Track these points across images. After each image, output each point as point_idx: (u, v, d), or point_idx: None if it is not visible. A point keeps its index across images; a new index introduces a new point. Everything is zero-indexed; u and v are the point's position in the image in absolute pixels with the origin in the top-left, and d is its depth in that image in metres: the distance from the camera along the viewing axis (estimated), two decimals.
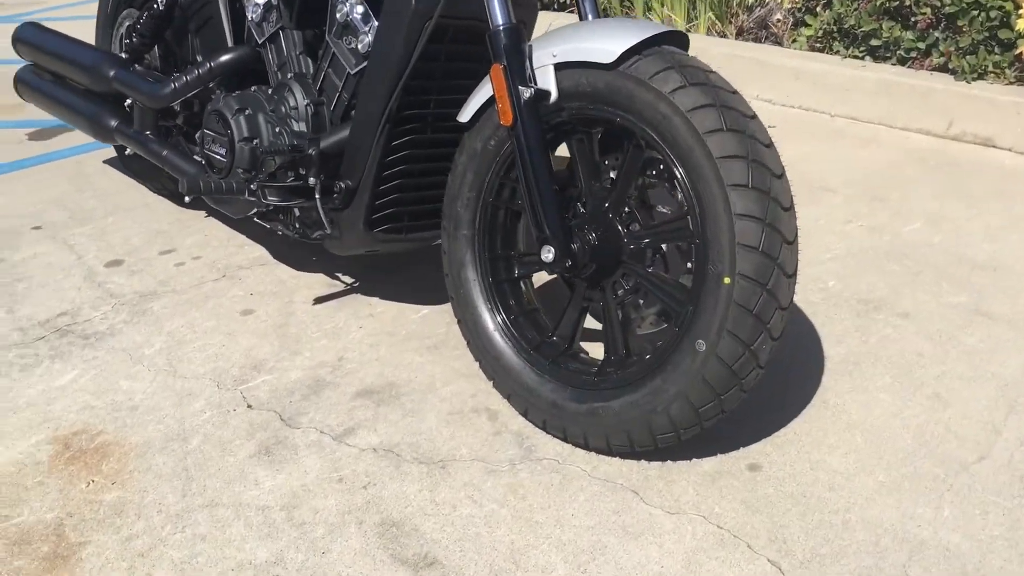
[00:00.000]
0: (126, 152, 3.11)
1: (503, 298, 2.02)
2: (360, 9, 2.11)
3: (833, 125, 3.68)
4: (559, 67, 1.79)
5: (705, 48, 4.12)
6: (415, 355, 2.26)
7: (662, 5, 4.40)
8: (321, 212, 2.16)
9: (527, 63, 1.81)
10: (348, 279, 2.63)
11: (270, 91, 2.33)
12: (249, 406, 2.09)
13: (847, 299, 2.42)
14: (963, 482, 1.79)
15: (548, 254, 1.81)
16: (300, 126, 2.25)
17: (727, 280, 1.64)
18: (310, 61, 2.32)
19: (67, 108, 2.88)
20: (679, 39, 1.81)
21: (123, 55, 2.79)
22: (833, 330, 2.29)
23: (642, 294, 1.87)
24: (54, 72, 2.96)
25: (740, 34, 4.31)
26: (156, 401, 2.12)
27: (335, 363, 2.24)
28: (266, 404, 2.09)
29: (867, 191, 3.05)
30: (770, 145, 1.68)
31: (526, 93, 1.78)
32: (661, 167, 1.80)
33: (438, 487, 1.82)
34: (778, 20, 4.26)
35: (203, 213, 3.03)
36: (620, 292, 1.88)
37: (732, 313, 1.64)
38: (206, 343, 2.34)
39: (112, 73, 2.68)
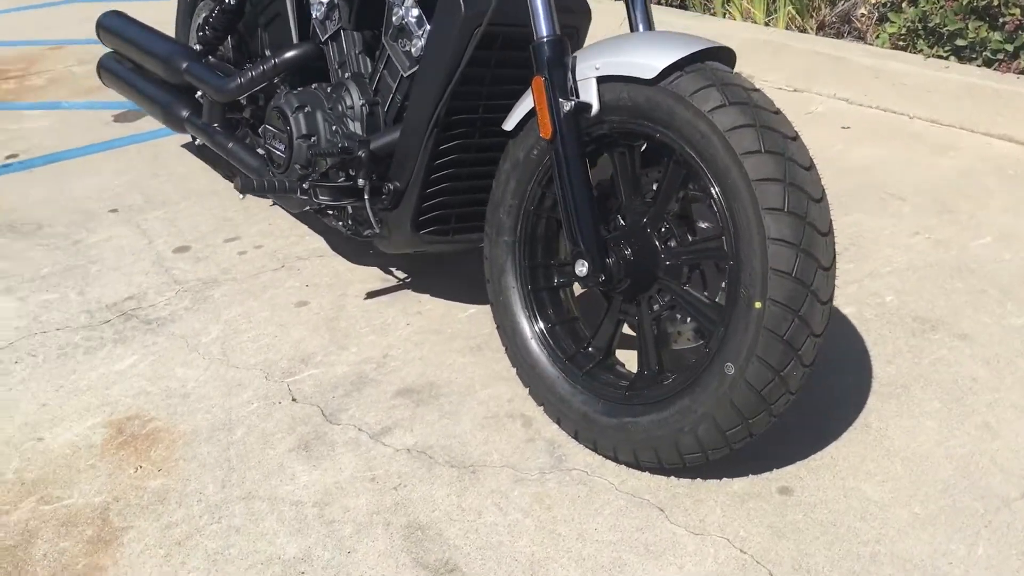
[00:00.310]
0: (196, 142, 3.19)
1: (541, 306, 2.02)
2: (415, 13, 2.12)
3: (911, 128, 3.55)
4: (602, 80, 1.78)
5: (783, 43, 4.02)
6: (458, 355, 2.28)
7: None
8: (370, 212, 2.19)
9: (569, 75, 1.79)
10: (401, 274, 2.66)
11: (329, 89, 2.36)
12: (294, 399, 2.14)
13: (903, 316, 2.35)
14: (1003, 519, 1.73)
15: (582, 268, 1.81)
16: (355, 126, 2.28)
17: (758, 304, 1.61)
18: (368, 61, 2.34)
19: (143, 96, 2.96)
20: (726, 55, 1.77)
21: (197, 47, 2.86)
22: (885, 349, 2.23)
23: (679, 309, 1.85)
24: (132, 60, 3.05)
25: (821, 28, 4.18)
26: (207, 390, 2.18)
27: (380, 360, 2.27)
28: (310, 398, 2.14)
29: (938, 200, 2.95)
30: (810, 168, 1.64)
31: (566, 106, 1.77)
32: (702, 183, 1.77)
33: (466, 492, 1.84)
34: (862, 15, 4.12)
35: (269, 202, 3.09)
36: (656, 307, 1.86)
37: (762, 338, 1.61)
38: (259, 333, 2.39)
39: (184, 65, 2.75)
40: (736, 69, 1.79)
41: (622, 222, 1.89)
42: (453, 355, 2.28)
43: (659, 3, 4.76)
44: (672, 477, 1.85)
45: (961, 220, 2.82)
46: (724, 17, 4.47)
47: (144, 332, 2.42)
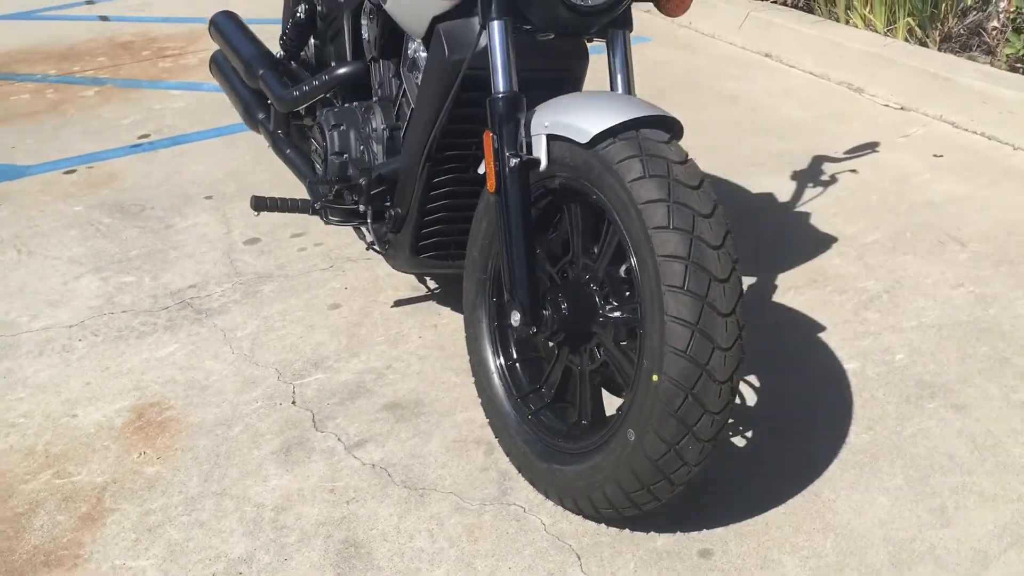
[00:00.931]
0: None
1: (505, 343, 2.08)
2: (423, 49, 2.20)
3: (1008, 161, 3.30)
4: (551, 137, 1.81)
5: (893, 57, 3.80)
6: (453, 374, 2.37)
7: (864, 6, 4.08)
8: (373, 234, 2.31)
9: (521, 131, 1.84)
10: (432, 285, 2.77)
11: (363, 109, 2.48)
12: (293, 402, 2.31)
13: (906, 379, 2.25)
14: None
15: (515, 318, 1.85)
16: (377, 148, 2.39)
17: (655, 377, 1.62)
18: (397, 86, 2.44)
19: (233, 94, 3.18)
20: (670, 123, 1.76)
21: (280, 53, 3.04)
22: (870, 412, 2.15)
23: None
24: (229, 60, 3.28)
25: (946, 41, 3.91)
26: (225, 384, 2.39)
27: (382, 371, 2.40)
28: (308, 403, 2.30)
29: (1000, 250, 2.75)
30: (720, 247, 1.62)
31: (512, 162, 1.81)
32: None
33: (408, 515, 1.95)
34: (993, 28, 3.83)
35: None
36: (594, 361, 1.89)
37: (657, 411, 1.62)
38: (288, 332, 2.58)
39: (260, 71, 2.93)
40: (843, 79, 1.73)
41: (566, 276, 1.93)
42: (448, 373, 2.38)
43: (785, 4, 4.59)
44: (603, 524, 1.89)
45: (1017, 274, 2.63)
46: (847, 23, 4.26)
47: (192, 321, 2.65)
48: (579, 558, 1.82)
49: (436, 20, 2.05)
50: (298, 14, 2.89)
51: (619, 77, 2.01)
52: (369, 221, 2.29)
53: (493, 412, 2.06)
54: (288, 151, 2.82)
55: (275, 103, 2.84)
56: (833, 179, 3.20)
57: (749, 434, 2.12)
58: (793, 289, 2.62)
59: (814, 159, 3.33)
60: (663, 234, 1.61)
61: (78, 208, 3.35)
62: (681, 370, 1.60)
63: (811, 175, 3.24)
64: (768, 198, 3.12)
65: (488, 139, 1.84)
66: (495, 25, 1.86)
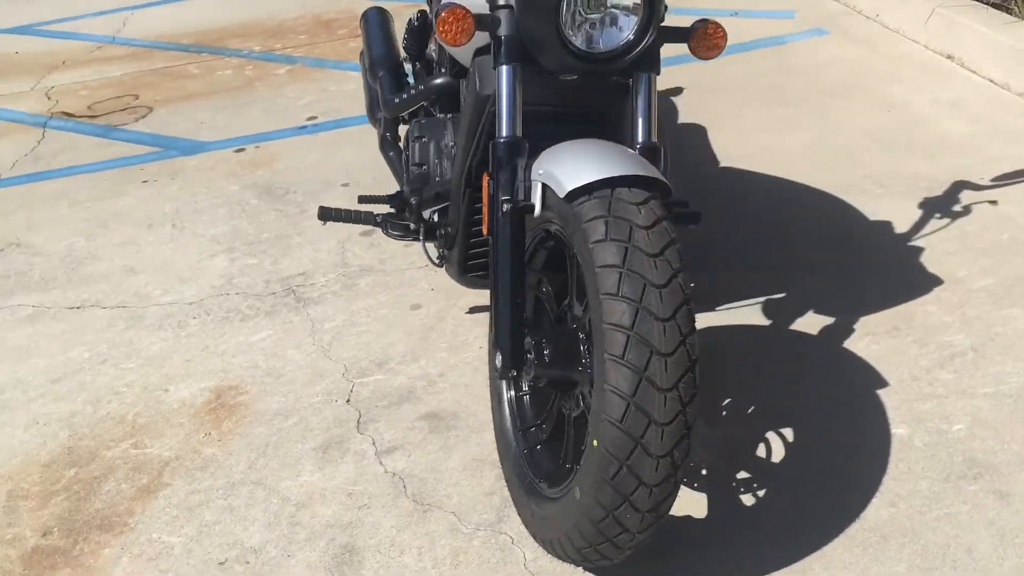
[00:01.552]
0: None
1: (517, 376, 2.10)
2: None
3: None
4: (545, 185, 1.79)
5: None
6: None
7: None
8: (425, 250, 2.38)
9: (519, 175, 1.84)
10: None
11: (448, 122, 2.53)
12: (348, 400, 2.44)
13: (955, 453, 2.05)
14: None
15: (497, 360, 1.86)
16: (447, 164, 2.44)
17: (595, 443, 1.60)
18: None
19: (365, 88, 3.33)
20: (653, 183, 1.70)
21: (403, 56, 3.14)
22: (899, 487, 1.99)
23: None
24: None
25: None
26: (297, 375, 2.56)
27: (434, 378, 2.48)
28: (360, 403, 2.42)
29: None
30: (668, 319, 1.57)
31: (504, 207, 1.82)
32: None
33: (407, 529, 2.04)
34: None
35: None
36: (577, 407, 1.87)
37: (595, 475, 1.61)
38: (367, 330, 2.71)
39: (380, 73, 3.05)
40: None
41: (555, 322, 1.91)
42: None
43: (983, 1, 4.15)
44: (579, 569, 1.89)
45: None
46: None
47: (290, 309, 2.84)
48: None
49: (477, 52, 2.07)
50: (412, 20, 2.97)
51: (639, 122, 1.94)
52: (421, 238, 2.36)
53: (500, 440, 2.09)
54: (391, 154, 2.93)
55: (382, 106, 2.95)
56: (966, 210, 2.91)
57: (761, 492, 2.03)
58: (870, 335, 2.44)
59: (954, 184, 3.04)
60: (610, 301, 1.58)
61: (234, 187, 3.64)
62: (615, 440, 1.57)
63: (943, 203, 2.96)
64: (882, 227, 2.89)
65: (485, 182, 1.86)
66: (503, 69, 1.86)
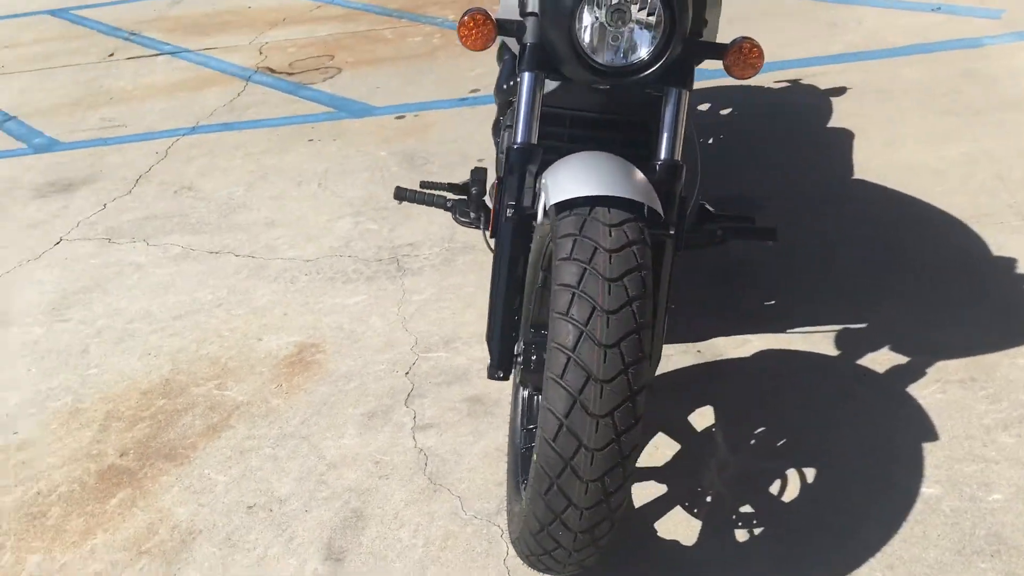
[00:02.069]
0: None
1: (504, 377, 2.10)
2: None
3: None
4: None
5: None
6: None
7: None
8: (485, 239, 2.42)
9: (528, 182, 1.84)
10: None
11: None
12: (407, 373, 2.55)
13: (980, 525, 1.87)
14: None
15: (488, 360, 1.88)
16: None
17: (534, 458, 1.60)
18: None
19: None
20: (639, 207, 1.65)
21: None
22: (904, 551, 1.83)
23: None
24: None
25: None
26: (373, 342, 2.69)
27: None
28: (416, 377, 2.53)
29: None
30: (610, 347, 1.55)
31: (509, 211, 1.83)
32: None
33: (412, 505, 2.13)
34: None
35: None
36: None
37: (532, 489, 1.62)
38: (448, 307, 2.80)
39: (505, 56, 3.09)
40: None
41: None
42: None
43: None
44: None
45: None
46: None
47: (389, 277, 2.98)
48: None
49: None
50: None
51: (663, 139, 1.88)
52: (482, 227, 2.40)
53: (510, 435, 2.13)
54: (497, 140, 2.98)
55: (495, 89, 2.99)
56: None
57: (758, 530, 1.95)
58: (940, 382, 2.24)
59: None
60: (559, 321, 1.58)
61: (382, 153, 3.83)
62: (547, 458, 1.58)
63: None
64: (1002, 265, 2.62)
65: (494, 187, 1.88)
66: (525, 76, 1.87)
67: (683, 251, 2.42)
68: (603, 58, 1.82)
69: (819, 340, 2.46)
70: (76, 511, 2.23)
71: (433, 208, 2.59)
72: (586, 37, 1.80)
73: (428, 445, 2.29)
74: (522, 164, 1.87)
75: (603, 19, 1.79)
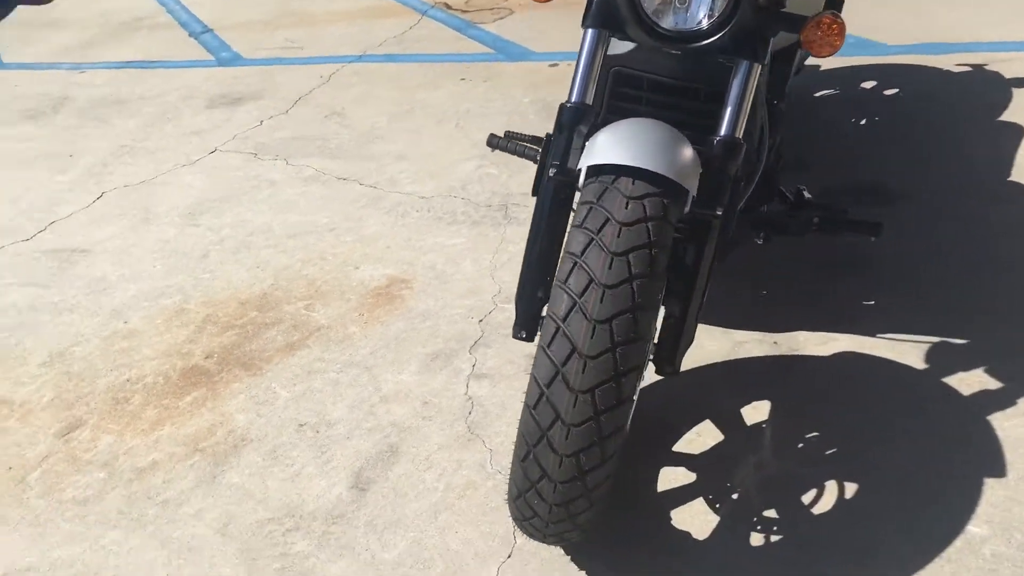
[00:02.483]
0: None
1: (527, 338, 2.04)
2: None
3: None
4: None
5: None
6: None
7: None
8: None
9: (574, 142, 1.78)
10: None
11: None
12: (480, 320, 2.55)
13: (1020, 574, 1.67)
14: None
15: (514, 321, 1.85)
16: None
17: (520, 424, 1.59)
18: None
19: None
20: (663, 181, 1.57)
21: None
22: None
23: None
24: None
25: None
26: (458, 286, 2.71)
27: None
28: (487, 326, 2.53)
29: None
30: (601, 322, 1.50)
31: (550, 170, 1.77)
32: None
33: (445, 450, 2.15)
34: None
35: None
36: None
37: (514, 454, 1.62)
38: None
39: None
40: None
41: None
42: None
43: None
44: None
45: None
46: None
47: (493, 224, 2.98)
48: (509, 557, 1.87)
49: None
50: None
51: (725, 114, 1.76)
52: None
53: None
54: None
55: None
56: None
57: (776, 538, 1.84)
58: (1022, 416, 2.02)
59: None
60: (556, 289, 1.55)
61: (525, 100, 3.81)
62: (526, 424, 1.57)
63: None
64: None
65: (544, 142, 1.84)
66: (587, 32, 1.80)
67: (778, 238, 2.30)
68: (666, 22, 1.73)
69: (908, 350, 2.27)
70: (154, 402, 2.40)
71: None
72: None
73: (478, 395, 2.30)
74: (572, 124, 1.81)
75: None
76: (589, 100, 1.82)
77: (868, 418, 2.09)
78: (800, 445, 2.05)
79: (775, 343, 2.34)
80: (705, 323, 2.43)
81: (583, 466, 1.55)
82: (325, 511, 2.03)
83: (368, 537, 1.96)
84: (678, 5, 1.73)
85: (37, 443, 2.29)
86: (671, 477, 2.01)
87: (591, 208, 1.59)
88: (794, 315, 2.43)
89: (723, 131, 1.78)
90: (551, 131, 1.87)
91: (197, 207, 3.29)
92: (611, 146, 1.66)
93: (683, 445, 2.08)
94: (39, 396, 2.44)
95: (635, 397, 1.65)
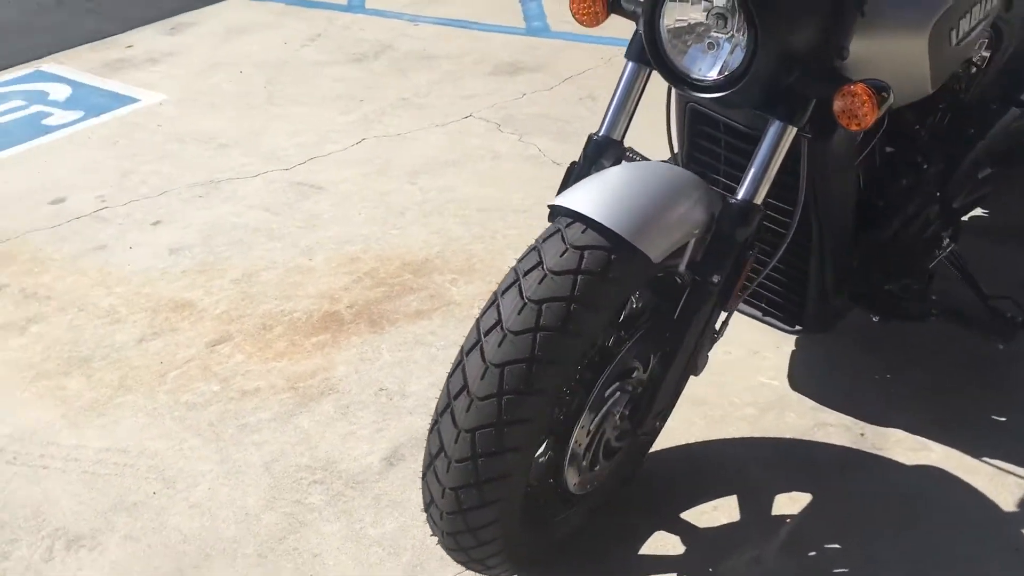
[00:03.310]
0: None
1: None
2: None
3: None
4: None
5: None
6: None
7: None
8: None
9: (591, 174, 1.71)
10: None
11: None
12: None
13: None
14: None
15: None
16: None
17: None
18: None
19: None
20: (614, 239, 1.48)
21: None
22: None
23: None
24: None
25: None
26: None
27: None
28: None
29: None
30: (496, 366, 1.48)
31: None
32: None
33: None
34: None
35: None
36: None
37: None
38: None
39: None
40: None
41: None
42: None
43: None
44: None
45: None
46: None
47: None
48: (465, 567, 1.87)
49: None
50: None
51: (747, 175, 1.59)
52: None
53: None
54: None
55: None
56: None
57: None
58: None
59: None
60: (471, 329, 1.52)
61: None
62: (428, 442, 1.58)
63: None
64: None
65: (567, 171, 1.79)
66: (628, 65, 1.71)
67: (884, 319, 2.03)
68: (682, 64, 1.58)
69: (1013, 485, 1.87)
70: (288, 336, 2.67)
71: None
72: (666, 36, 1.58)
73: None
74: (593, 157, 1.75)
75: (688, 18, 1.55)
76: (617, 135, 1.74)
77: (916, 553, 1.78)
78: (812, 553, 1.80)
79: (862, 434, 2.05)
80: (799, 392, 2.19)
81: (463, 503, 1.54)
82: (351, 474, 2.17)
83: (368, 510, 2.07)
84: (704, 49, 1.57)
85: (191, 347, 2.66)
86: (659, 543, 1.87)
87: (531, 249, 1.54)
88: (901, 407, 2.10)
89: (740, 194, 1.61)
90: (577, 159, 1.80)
91: (424, 166, 3.51)
92: (582, 189, 1.58)
93: (692, 514, 1.92)
94: (214, 307, 2.82)
95: (534, 451, 1.57)
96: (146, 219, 3.31)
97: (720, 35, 1.54)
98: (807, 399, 2.16)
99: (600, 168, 1.73)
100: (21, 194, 3.54)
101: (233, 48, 4.87)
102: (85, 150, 3.88)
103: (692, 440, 2.10)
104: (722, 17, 1.52)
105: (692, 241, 1.62)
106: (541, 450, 1.69)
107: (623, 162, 1.77)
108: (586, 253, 1.50)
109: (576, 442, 1.68)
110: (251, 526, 2.05)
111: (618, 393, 1.71)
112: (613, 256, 1.50)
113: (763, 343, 2.34)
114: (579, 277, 1.47)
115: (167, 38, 5.10)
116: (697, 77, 1.59)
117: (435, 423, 1.55)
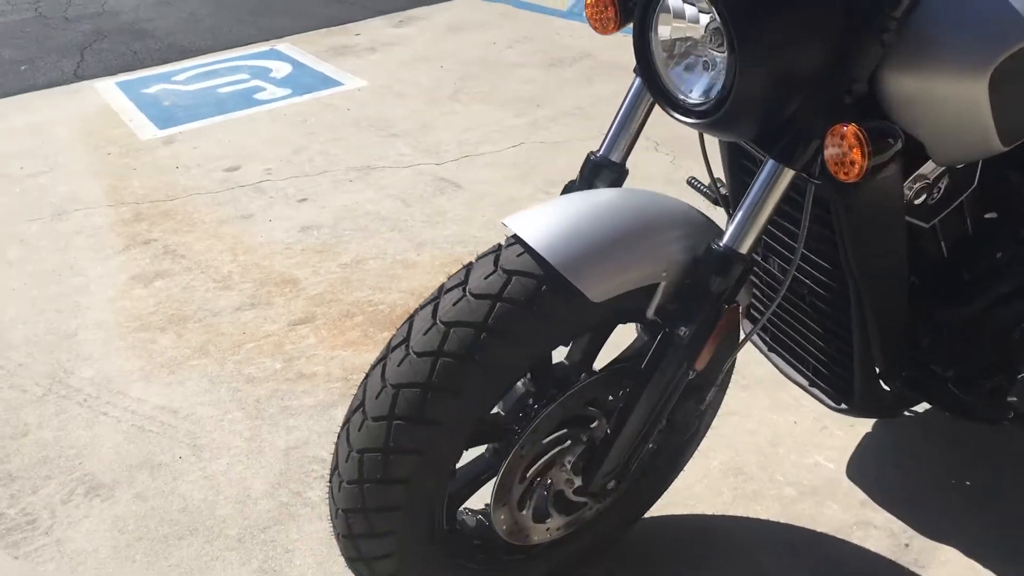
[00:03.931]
0: None
1: None
2: None
3: None
4: None
5: None
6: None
7: None
8: None
9: None
10: None
11: None
12: None
13: None
14: None
15: None
16: None
17: None
18: None
19: None
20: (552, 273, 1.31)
21: None
22: None
23: None
24: None
25: None
26: None
27: None
28: None
29: None
30: (394, 387, 1.35)
31: None
32: None
33: None
34: None
35: None
36: None
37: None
38: None
39: None
40: None
41: None
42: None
43: None
44: None
45: None
46: None
47: None
48: None
49: None
50: None
51: (733, 219, 1.34)
52: None
53: None
54: None
55: None
56: None
57: None
58: None
59: None
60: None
61: None
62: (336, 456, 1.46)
63: None
64: None
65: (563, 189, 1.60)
66: (635, 80, 1.51)
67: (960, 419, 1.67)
68: (670, 81, 1.35)
69: None
70: (364, 327, 2.63)
71: None
72: (656, 50, 1.35)
73: None
74: (588, 178, 1.58)
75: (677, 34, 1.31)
76: (617, 156, 1.54)
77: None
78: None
79: (907, 545, 1.67)
80: (853, 480, 1.84)
81: (352, 528, 1.41)
82: None
83: None
84: (700, 69, 1.32)
85: (276, 322, 2.69)
86: None
87: (466, 267, 1.37)
88: (959, 520, 1.69)
89: (723, 239, 1.35)
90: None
91: (565, 176, 3.28)
92: (539, 211, 1.39)
93: None
94: (314, 287, 2.84)
95: (430, 488, 1.39)
96: (296, 195, 3.42)
97: (717, 53, 1.29)
98: (858, 490, 1.81)
99: (586, 183, 1.55)
100: (207, 159, 3.78)
101: (445, 44, 4.96)
102: (276, 125, 4.08)
103: (714, 511, 1.83)
104: (718, 32, 1.28)
105: (662, 284, 1.38)
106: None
107: (619, 186, 1.56)
108: (513, 279, 1.31)
109: (507, 471, 1.48)
110: (245, 509, 2.02)
111: (568, 441, 1.50)
112: (544, 288, 1.30)
113: (836, 418, 1.99)
114: (498, 304, 1.29)
115: (393, 29, 5.28)
116: (681, 97, 1.35)
117: (339, 436, 1.43)
